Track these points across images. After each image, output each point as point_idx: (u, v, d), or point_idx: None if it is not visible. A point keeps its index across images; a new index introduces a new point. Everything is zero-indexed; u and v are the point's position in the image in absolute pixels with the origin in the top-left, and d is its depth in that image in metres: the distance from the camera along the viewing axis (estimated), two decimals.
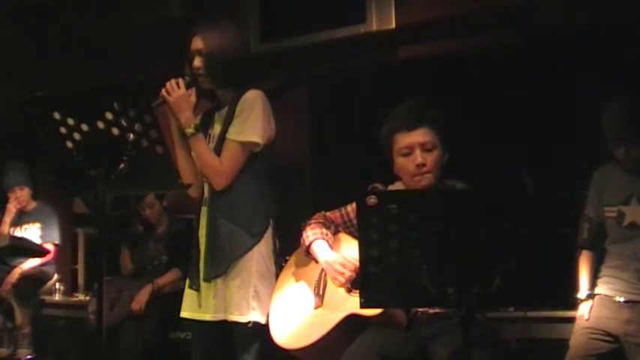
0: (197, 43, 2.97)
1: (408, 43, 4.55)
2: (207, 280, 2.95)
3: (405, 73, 4.74)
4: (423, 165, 2.71)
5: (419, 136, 2.72)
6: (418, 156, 2.71)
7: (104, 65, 5.47)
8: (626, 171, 3.22)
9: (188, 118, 2.92)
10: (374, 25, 4.37)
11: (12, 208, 5.71)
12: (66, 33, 5.79)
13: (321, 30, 4.53)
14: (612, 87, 3.66)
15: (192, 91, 2.98)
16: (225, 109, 3.00)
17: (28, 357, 5.42)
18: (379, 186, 2.87)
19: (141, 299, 4.69)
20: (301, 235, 2.95)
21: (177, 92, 2.90)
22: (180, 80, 2.93)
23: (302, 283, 2.96)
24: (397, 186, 2.85)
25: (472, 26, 4.32)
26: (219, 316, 2.94)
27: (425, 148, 2.72)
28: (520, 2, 4.14)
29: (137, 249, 5.07)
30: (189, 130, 2.91)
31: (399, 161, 2.77)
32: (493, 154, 4.43)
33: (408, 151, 2.74)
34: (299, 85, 5.14)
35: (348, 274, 2.75)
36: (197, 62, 2.96)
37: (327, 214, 3.00)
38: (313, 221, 2.97)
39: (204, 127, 3.04)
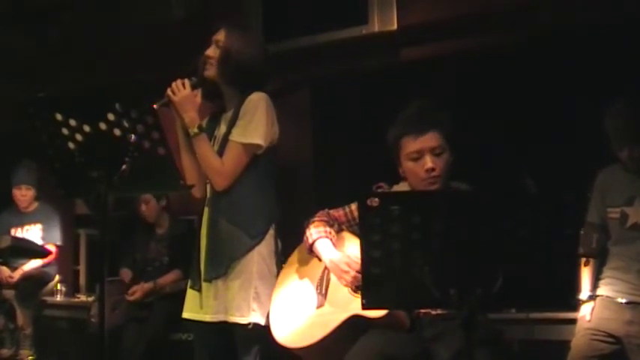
0: (220, 35, 3.00)
1: (410, 45, 4.55)
2: (208, 280, 2.96)
3: (407, 74, 4.74)
4: (433, 169, 2.69)
5: (428, 140, 2.70)
6: (428, 161, 2.69)
7: (105, 66, 5.47)
8: (629, 172, 3.23)
9: (192, 118, 2.92)
10: (376, 27, 4.37)
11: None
12: (66, 33, 5.79)
13: (324, 31, 4.53)
14: (614, 88, 3.66)
15: (198, 93, 2.99)
16: (231, 111, 3.00)
17: (30, 358, 5.42)
18: (384, 186, 2.86)
19: (138, 291, 4.71)
20: (304, 233, 2.95)
21: (182, 92, 2.92)
22: (187, 81, 2.95)
23: (304, 281, 2.96)
24: (402, 186, 2.84)
25: (473, 27, 4.32)
26: (219, 317, 2.94)
27: (434, 153, 2.70)
28: (521, 3, 4.14)
29: (138, 250, 5.07)
30: (193, 130, 2.92)
31: (408, 165, 2.75)
32: (494, 155, 4.43)
33: (418, 156, 2.71)
34: (301, 87, 5.14)
35: (353, 273, 2.75)
36: (211, 51, 2.99)
37: (331, 212, 2.99)
38: (317, 219, 2.96)
39: (210, 129, 3.05)
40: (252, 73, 2.98)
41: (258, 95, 2.95)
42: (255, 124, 2.91)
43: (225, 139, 2.97)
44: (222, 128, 3.03)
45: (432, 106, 2.78)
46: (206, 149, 2.94)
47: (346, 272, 2.76)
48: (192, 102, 2.95)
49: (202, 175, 3.04)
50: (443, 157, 2.72)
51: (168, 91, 2.92)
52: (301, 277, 2.99)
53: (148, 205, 4.97)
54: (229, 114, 3.02)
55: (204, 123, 3.01)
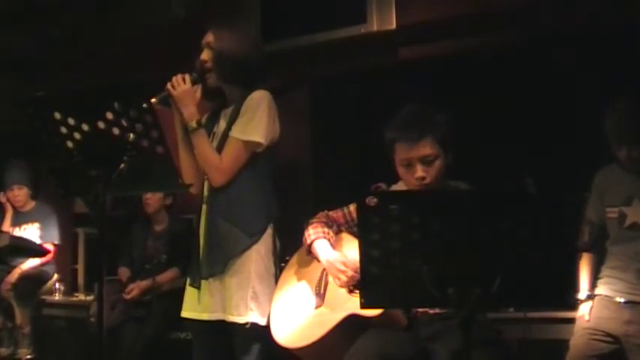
0: (209, 37, 3.01)
1: (408, 44, 4.55)
2: (205, 278, 2.96)
3: (406, 74, 4.74)
4: (424, 178, 2.68)
5: (420, 150, 2.67)
6: (419, 170, 2.68)
7: (105, 65, 5.47)
8: (627, 172, 3.22)
9: (191, 113, 2.93)
10: (374, 26, 4.37)
11: (9, 207, 5.73)
12: (66, 33, 5.79)
13: (322, 30, 4.53)
14: (613, 87, 3.66)
15: (198, 88, 2.99)
16: (232, 107, 3.00)
17: (28, 357, 5.42)
18: (382, 186, 2.86)
19: (135, 289, 4.71)
20: (303, 234, 2.95)
21: (182, 87, 2.92)
22: (187, 76, 2.95)
23: (303, 283, 2.96)
24: (400, 186, 2.83)
25: (472, 27, 4.32)
26: (217, 316, 2.94)
27: (426, 161, 2.68)
28: (520, 3, 4.14)
29: (136, 248, 5.07)
30: (192, 125, 2.92)
31: (401, 170, 2.75)
32: (494, 155, 4.43)
33: (408, 163, 2.70)
34: (299, 86, 5.14)
35: (349, 273, 2.75)
36: (205, 55, 2.99)
37: (330, 213, 3.00)
38: (315, 220, 2.97)
39: (209, 125, 3.05)
40: (249, 66, 2.98)
41: (260, 93, 2.95)
42: (256, 121, 2.91)
43: (225, 135, 2.96)
44: (222, 124, 3.03)
45: (426, 110, 2.75)
46: (204, 144, 2.94)
47: (342, 272, 2.77)
48: (191, 97, 2.95)
49: (200, 172, 3.03)
50: (435, 165, 2.69)
51: (168, 85, 2.92)
52: (301, 278, 3.00)
53: (153, 195, 4.94)
54: (229, 110, 3.02)
55: (203, 120, 3.01)
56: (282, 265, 3.10)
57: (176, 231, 4.93)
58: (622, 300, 3.18)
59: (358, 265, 2.17)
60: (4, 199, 5.81)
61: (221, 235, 2.93)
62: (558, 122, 4.34)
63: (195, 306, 3.01)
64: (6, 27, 5.74)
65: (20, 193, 5.74)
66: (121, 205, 5.32)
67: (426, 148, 2.68)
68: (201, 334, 3.05)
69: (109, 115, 2.41)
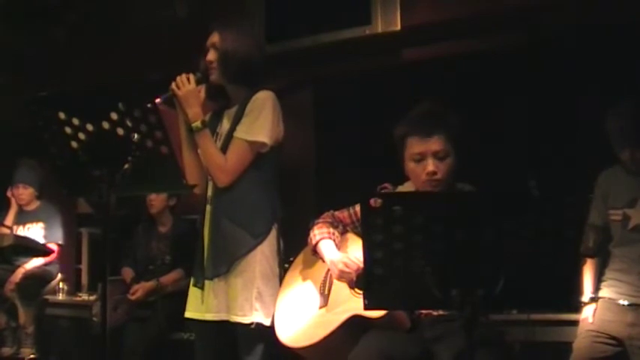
0: (214, 38, 3.01)
1: (413, 45, 4.55)
2: (209, 278, 2.96)
3: (410, 75, 4.74)
4: (435, 173, 2.68)
5: (433, 144, 2.68)
6: (430, 164, 2.68)
7: (108, 65, 5.47)
8: (631, 174, 3.22)
9: (196, 113, 2.93)
10: (379, 27, 4.36)
11: (14, 203, 5.75)
12: (69, 33, 5.79)
13: (326, 31, 4.53)
14: (617, 89, 3.66)
15: (202, 88, 3.00)
16: (235, 107, 3.01)
17: (31, 356, 5.42)
18: (389, 186, 2.86)
19: (140, 290, 4.71)
20: (308, 234, 2.96)
21: (187, 87, 2.92)
22: (191, 75, 2.95)
23: (308, 283, 2.97)
24: (407, 187, 2.83)
25: (477, 28, 4.33)
26: (221, 316, 2.94)
27: (438, 157, 2.68)
28: (525, 4, 4.14)
29: (139, 249, 5.07)
30: (196, 125, 2.92)
31: (411, 165, 2.74)
32: (498, 157, 4.43)
33: (420, 158, 2.70)
34: (304, 87, 5.14)
35: (352, 273, 2.75)
36: (211, 56, 3.00)
37: (336, 213, 3.00)
38: (321, 220, 2.97)
39: (212, 125, 3.05)
40: (254, 66, 2.98)
41: (265, 94, 2.95)
42: (261, 121, 2.91)
43: (229, 135, 2.97)
44: (225, 124, 3.04)
45: (440, 108, 2.75)
46: (209, 145, 2.95)
47: (344, 272, 2.76)
48: (196, 97, 2.95)
49: (204, 172, 3.04)
50: (446, 162, 2.70)
51: (173, 85, 2.92)
52: (306, 278, 3.00)
53: (158, 196, 4.94)
54: (232, 110, 3.02)
55: (206, 119, 3.01)
56: (286, 265, 3.10)
57: (180, 232, 4.93)
58: (625, 302, 3.17)
59: (360, 265, 2.17)
60: (10, 194, 5.82)
61: (226, 236, 2.93)
62: (563, 124, 4.34)
63: (198, 306, 3.01)
64: (6, 27, 5.74)
65: (25, 192, 5.74)
66: (125, 205, 5.32)
67: (439, 144, 2.68)
68: (204, 334, 3.05)
69: (114, 116, 2.41)
